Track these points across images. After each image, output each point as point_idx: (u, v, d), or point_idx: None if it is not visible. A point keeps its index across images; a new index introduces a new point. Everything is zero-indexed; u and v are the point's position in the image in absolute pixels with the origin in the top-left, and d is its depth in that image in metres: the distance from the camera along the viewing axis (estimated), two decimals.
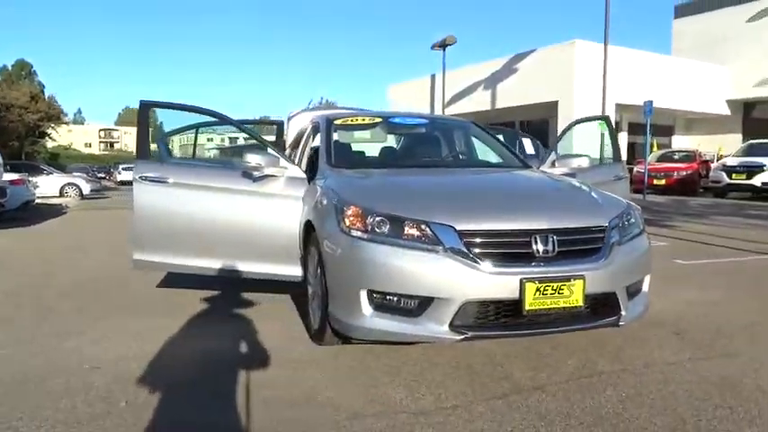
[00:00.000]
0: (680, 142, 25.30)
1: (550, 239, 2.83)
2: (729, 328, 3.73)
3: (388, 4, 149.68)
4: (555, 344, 3.36)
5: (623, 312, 3.03)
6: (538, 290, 2.74)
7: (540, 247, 2.81)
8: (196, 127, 5.20)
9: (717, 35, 23.91)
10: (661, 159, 18.93)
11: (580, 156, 4.40)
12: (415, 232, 2.84)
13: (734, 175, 14.58)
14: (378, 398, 2.68)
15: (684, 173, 17.57)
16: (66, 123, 50.83)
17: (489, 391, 2.75)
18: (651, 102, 15.34)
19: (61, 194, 20.44)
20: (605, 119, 5.38)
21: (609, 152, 5.27)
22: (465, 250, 2.76)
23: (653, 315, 3.68)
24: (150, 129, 4.21)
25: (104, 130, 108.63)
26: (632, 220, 3.23)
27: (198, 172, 4.11)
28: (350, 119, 4.63)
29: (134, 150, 4.16)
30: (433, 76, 26.17)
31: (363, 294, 2.87)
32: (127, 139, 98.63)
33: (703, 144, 23.56)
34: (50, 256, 7.15)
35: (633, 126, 23.90)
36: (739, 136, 23.95)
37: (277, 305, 4.36)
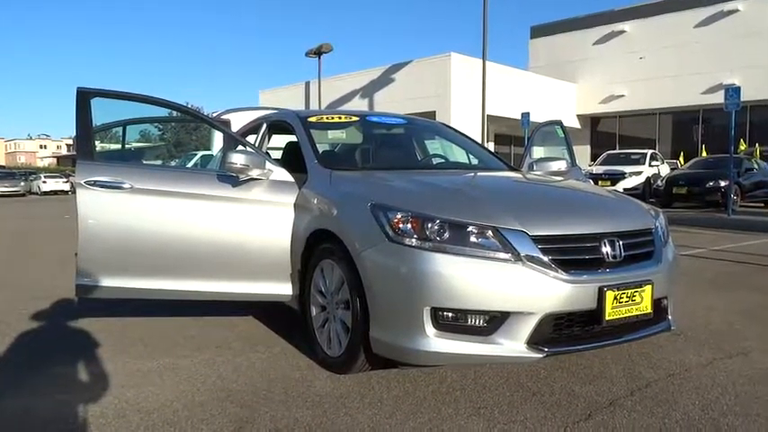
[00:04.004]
0: (539, 153, 27.28)
1: (617, 243, 2.66)
2: (716, 325, 3.85)
3: (260, 9, 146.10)
4: (578, 354, 3.20)
5: (669, 317, 2.95)
6: (615, 298, 2.55)
7: (610, 252, 2.63)
8: (124, 124, 4.37)
9: (567, 55, 26.26)
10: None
11: (558, 159, 4.35)
12: (481, 240, 2.51)
13: (600, 182, 15.90)
14: None
15: None
16: None
17: (568, 411, 2.49)
18: (528, 114, 16.29)
19: None
20: (559, 123, 5.44)
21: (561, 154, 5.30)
22: (543, 258, 2.48)
23: None
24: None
25: None
26: (663, 223, 3.16)
27: (162, 175, 3.41)
28: (324, 117, 4.14)
29: None
30: (307, 83, 25.78)
31: (426, 312, 2.47)
32: None
33: None
34: None
35: (499, 137, 25.43)
36: (588, 147, 26.46)
37: (249, 329, 3.78)
